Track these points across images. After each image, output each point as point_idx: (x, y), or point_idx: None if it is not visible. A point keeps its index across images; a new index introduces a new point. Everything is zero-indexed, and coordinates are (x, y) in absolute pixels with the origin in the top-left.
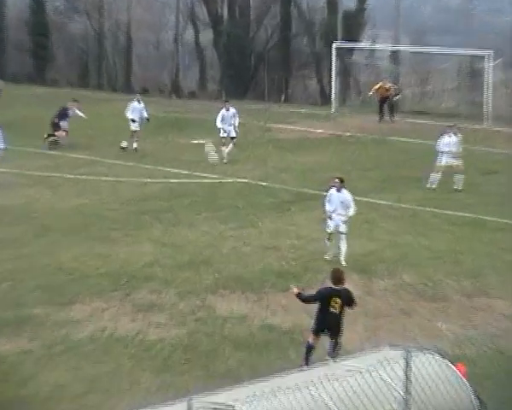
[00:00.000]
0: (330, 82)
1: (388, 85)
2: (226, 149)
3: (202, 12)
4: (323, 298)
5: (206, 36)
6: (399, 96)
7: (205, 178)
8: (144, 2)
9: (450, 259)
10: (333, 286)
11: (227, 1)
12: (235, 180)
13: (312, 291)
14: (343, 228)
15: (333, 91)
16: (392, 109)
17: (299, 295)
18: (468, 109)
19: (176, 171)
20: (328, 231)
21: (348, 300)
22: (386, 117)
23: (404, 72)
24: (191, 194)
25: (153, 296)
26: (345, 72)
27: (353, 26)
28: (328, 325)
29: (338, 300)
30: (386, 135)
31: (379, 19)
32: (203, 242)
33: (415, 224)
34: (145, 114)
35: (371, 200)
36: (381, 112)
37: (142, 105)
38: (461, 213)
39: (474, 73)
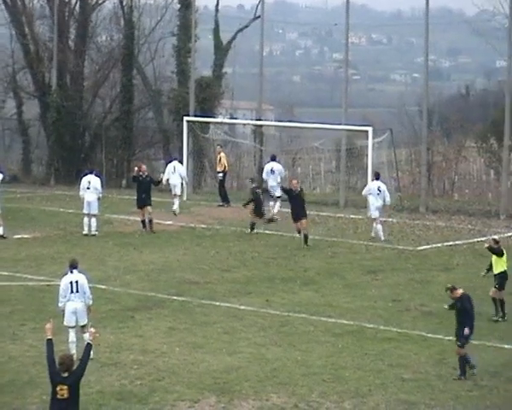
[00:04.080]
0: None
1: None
2: None
3: (26, 80)
4: (52, 384)
5: (32, 109)
6: (221, 174)
7: (29, 280)
8: None
9: (329, 376)
10: (61, 374)
11: (56, 66)
12: None
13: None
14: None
15: (185, 176)
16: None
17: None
18: (347, 195)
19: None
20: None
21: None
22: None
23: (269, 151)
24: (13, 300)
25: None
26: (199, 152)
27: (209, 97)
28: None
29: (64, 386)
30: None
31: (240, 89)
32: (29, 358)
33: (286, 334)
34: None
35: (233, 305)
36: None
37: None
38: (341, 321)
39: (354, 153)
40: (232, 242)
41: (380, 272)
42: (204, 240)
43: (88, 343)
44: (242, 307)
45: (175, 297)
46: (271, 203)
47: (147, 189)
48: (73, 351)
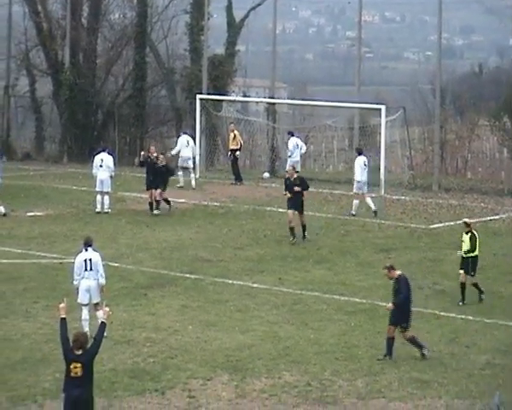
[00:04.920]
0: (194, 142)
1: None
2: None
3: (39, 57)
4: (66, 362)
5: (44, 87)
6: (238, 152)
7: (42, 258)
8: None
9: (341, 354)
10: (75, 352)
11: (69, 44)
12: None
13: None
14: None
15: (197, 153)
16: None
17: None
18: None
19: (7, 249)
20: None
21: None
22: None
23: (282, 129)
24: (26, 277)
25: None
26: (212, 129)
27: (221, 75)
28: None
29: (78, 364)
30: (264, 205)
31: (252, 66)
32: (42, 335)
33: (298, 312)
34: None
35: (246, 283)
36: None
37: None
38: (354, 299)
39: (367, 131)
40: (245, 220)
41: (392, 250)
42: (217, 218)
43: (102, 322)
44: (255, 285)
45: (188, 275)
46: None
47: (155, 170)
48: (86, 329)
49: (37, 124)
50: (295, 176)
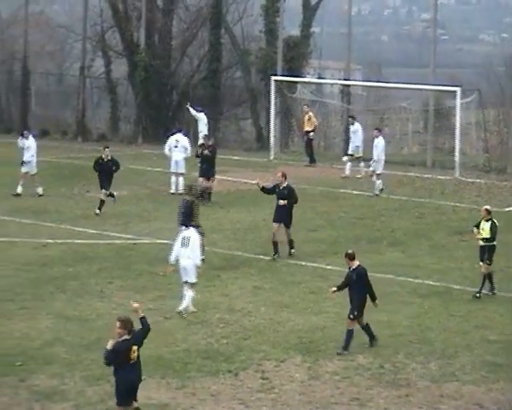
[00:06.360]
0: (269, 123)
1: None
2: None
3: (115, 39)
4: (122, 354)
5: (120, 68)
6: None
7: (117, 238)
8: (45, 27)
9: (414, 337)
10: (128, 337)
11: (144, 25)
12: (153, 241)
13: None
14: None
15: (272, 134)
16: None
17: None
18: (435, 156)
19: (82, 230)
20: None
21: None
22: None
23: (356, 110)
24: (101, 258)
25: (54, 382)
26: (286, 111)
27: (296, 56)
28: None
29: (135, 347)
30: (338, 187)
31: (327, 48)
32: (115, 316)
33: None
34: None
35: (319, 266)
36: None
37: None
38: (428, 282)
39: (441, 113)
40: (319, 202)
41: (466, 233)
42: None
43: (141, 317)
44: (328, 267)
45: (261, 256)
46: (361, 164)
47: (209, 159)
48: (183, 304)
49: (113, 105)
50: (284, 184)
